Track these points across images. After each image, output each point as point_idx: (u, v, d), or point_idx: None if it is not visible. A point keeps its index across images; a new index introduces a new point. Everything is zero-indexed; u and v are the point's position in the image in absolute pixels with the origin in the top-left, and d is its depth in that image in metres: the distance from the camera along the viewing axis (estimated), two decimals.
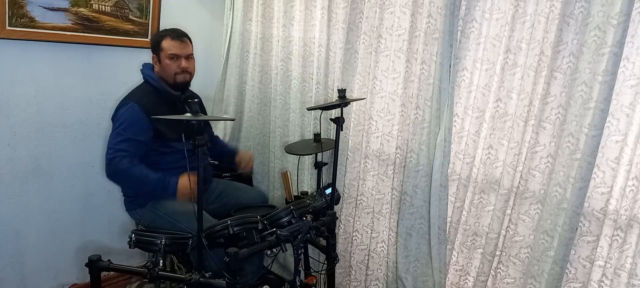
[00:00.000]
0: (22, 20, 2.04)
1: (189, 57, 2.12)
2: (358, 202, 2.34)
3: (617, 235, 1.59)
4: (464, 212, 2.03)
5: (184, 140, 1.82)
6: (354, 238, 2.39)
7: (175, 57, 2.06)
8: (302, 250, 2.03)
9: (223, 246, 1.73)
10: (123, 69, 2.41)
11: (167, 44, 2.06)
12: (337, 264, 2.21)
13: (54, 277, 2.44)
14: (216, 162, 2.66)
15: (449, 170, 1.99)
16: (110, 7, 2.32)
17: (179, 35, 2.09)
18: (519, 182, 1.82)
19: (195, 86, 2.23)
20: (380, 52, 2.15)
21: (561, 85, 1.64)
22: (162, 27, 2.45)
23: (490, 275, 1.95)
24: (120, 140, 1.94)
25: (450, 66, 1.90)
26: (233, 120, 2.83)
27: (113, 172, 1.94)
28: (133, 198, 2.13)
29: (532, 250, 1.80)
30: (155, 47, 2.10)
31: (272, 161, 2.71)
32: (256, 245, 1.66)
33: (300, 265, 1.87)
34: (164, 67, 2.08)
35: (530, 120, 1.76)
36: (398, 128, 2.15)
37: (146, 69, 2.14)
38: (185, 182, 1.86)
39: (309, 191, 2.41)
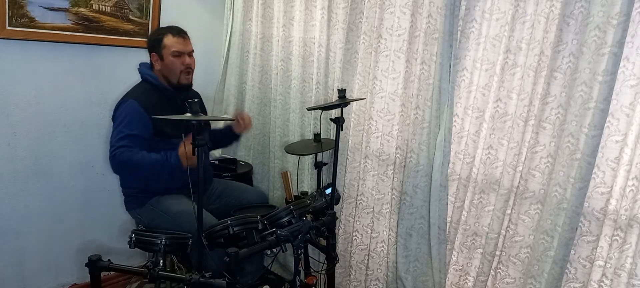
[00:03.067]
0: (22, 20, 2.04)
1: (191, 53, 2.12)
2: (358, 202, 2.34)
3: (617, 235, 1.59)
4: (464, 212, 2.03)
5: (183, 138, 1.82)
6: (354, 238, 2.39)
7: (179, 54, 2.06)
8: (302, 250, 2.03)
9: (223, 246, 1.72)
10: (123, 69, 2.40)
11: (170, 41, 2.05)
12: (337, 264, 2.21)
13: (54, 277, 2.44)
14: (216, 162, 2.67)
15: (449, 170, 1.99)
16: (110, 7, 2.32)
17: (180, 32, 2.08)
18: (519, 182, 1.82)
19: (195, 85, 2.23)
20: (380, 52, 2.14)
21: (561, 85, 1.64)
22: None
23: (490, 275, 1.95)
24: (121, 137, 1.93)
25: (450, 66, 1.90)
26: (233, 120, 2.82)
27: (117, 166, 1.94)
28: (133, 197, 2.12)
29: (532, 250, 1.80)
30: (156, 46, 2.08)
31: (272, 161, 2.71)
32: (256, 245, 1.66)
33: (300, 265, 1.87)
34: (167, 65, 2.07)
35: (530, 120, 1.76)
36: (398, 128, 2.15)
37: (144, 67, 2.13)
38: (183, 149, 1.81)
39: (309, 191, 2.41)
